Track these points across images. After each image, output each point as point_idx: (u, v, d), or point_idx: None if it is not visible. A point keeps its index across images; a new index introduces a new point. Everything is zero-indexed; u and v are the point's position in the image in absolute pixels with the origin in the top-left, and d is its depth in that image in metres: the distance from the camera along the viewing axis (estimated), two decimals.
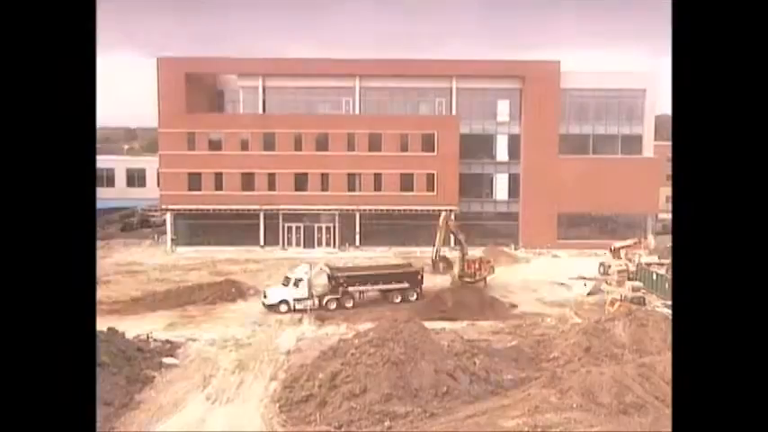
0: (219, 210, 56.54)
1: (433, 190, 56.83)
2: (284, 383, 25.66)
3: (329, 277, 38.71)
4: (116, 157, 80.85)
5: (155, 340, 31.05)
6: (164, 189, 57.31)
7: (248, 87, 59.96)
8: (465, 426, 21.13)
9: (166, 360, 28.87)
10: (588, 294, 41.90)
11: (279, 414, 23.34)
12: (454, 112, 59.30)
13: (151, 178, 70.42)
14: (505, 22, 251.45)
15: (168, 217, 58.07)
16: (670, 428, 10.39)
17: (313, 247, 57.76)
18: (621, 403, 21.46)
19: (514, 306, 39.67)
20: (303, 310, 37.44)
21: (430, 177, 56.90)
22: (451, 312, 36.77)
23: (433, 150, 56.63)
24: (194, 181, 56.50)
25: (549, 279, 46.99)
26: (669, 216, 58.34)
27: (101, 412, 21.52)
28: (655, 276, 41.86)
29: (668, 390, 21.48)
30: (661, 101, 61.36)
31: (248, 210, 56.70)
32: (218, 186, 56.55)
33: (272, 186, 56.62)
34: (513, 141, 60.51)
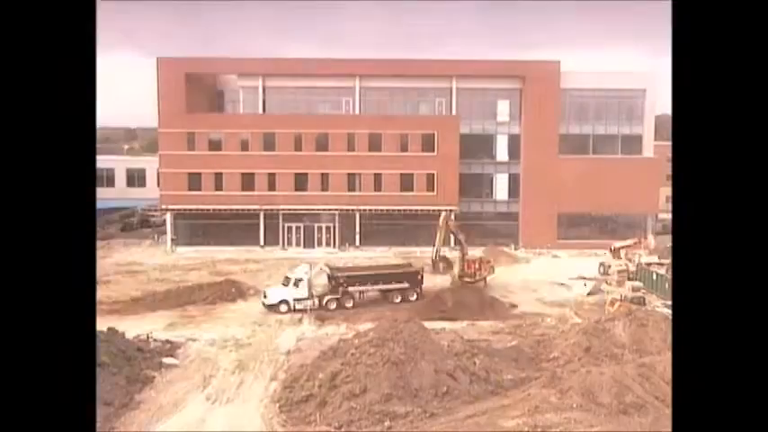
0: (219, 210, 56.56)
1: (433, 190, 56.84)
2: (284, 383, 25.65)
3: (329, 277, 38.70)
4: (116, 157, 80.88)
5: (155, 340, 31.04)
6: (164, 189, 57.32)
7: (248, 87, 59.97)
8: (465, 426, 21.12)
9: (166, 360, 28.85)
10: (588, 294, 41.88)
11: (279, 414, 23.33)
12: (454, 112, 59.30)
13: (151, 178, 70.47)
14: (505, 21, 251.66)
15: (168, 217, 58.08)
16: (670, 428, 10.40)
17: (313, 247, 57.77)
18: (621, 403, 21.45)
19: (514, 306, 39.65)
20: (303, 310, 37.42)
21: (430, 177, 56.90)
22: (451, 312, 36.75)
23: (433, 150, 56.64)
24: (194, 181, 56.51)
25: (549, 279, 46.97)
26: (669, 216, 58.41)
27: (101, 412, 21.51)
28: (655, 276, 41.85)
29: (668, 390, 21.48)
30: (661, 101, 61.54)
31: (248, 210, 56.71)
32: (218, 186, 56.56)
33: (272, 186, 56.63)
34: (513, 141, 60.53)
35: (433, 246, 42.43)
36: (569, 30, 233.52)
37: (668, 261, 43.25)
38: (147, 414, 23.48)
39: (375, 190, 56.89)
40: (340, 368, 24.18)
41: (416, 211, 56.26)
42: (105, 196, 64.59)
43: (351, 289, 38.98)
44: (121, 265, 50.73)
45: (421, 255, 49.08)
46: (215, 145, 57.02)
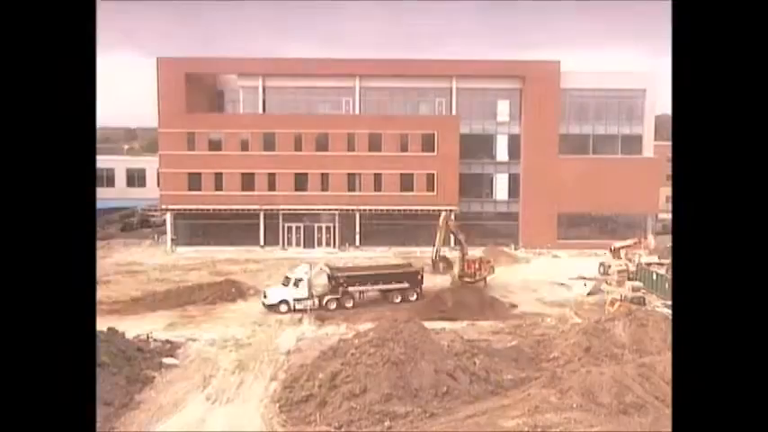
0: (219, 210, 56.56)
1: (433, 190, 56.84)
2: (284, 383, 25.65)
3: (329, 277, 38.70)
4: (116, 157, 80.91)
5: (155, 340, 31.03)
6: (164, 189, 57.32)
7: (248, 87, 59.97)
8: (465, 426, 21.12)
9: (166, 360, 28.85)
10: (588, 294, 41.89)
11: (279, 414, 23.33)
12: (454, 112, 59.31)
13: (151, 178, 70.48)
14: (505, 21, 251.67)
15: (168, 217, 58.08)
16: (670, 428, 10.40)
17: (313, 247, 57.76)
18: (621, 403, 21.45)
19: (514, 306, 39.65)
20: (303, 310, 37.42)
21: (430, 177, 56.91)
22: (451, 312, 36.75)
23: (433, 150, 56.64)
24: (194, 181, 56.51)
25: (549, 279, 46.97)
26: (669, 216, 58.41)
27: (101, 412, 21.51)
28: (655, 276, 41.85)
29: (668, 390, 21.48)
30: (661, 101, 61.55)
31: (248, 210, 56.71)
32: (218, 186, 56.56)
33: (272, 186, 56.63)
34: (513, 141, 60.53)
35: (433, 246, 42.43)
36: (569, 30, 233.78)
37: (668, 261, 43.25)
38: (147, 414, 23.48)
39: (375, 190, 56.89)
40: (340, 368, 24.18)
41: (416, 211, 56.26)
42: (105, 196, 64.60)
43: (351, 289, 38.98)
44: (121, 265, 50.74)
45: (421, 255, 49.08)
46: (215, 145, 57.02)
